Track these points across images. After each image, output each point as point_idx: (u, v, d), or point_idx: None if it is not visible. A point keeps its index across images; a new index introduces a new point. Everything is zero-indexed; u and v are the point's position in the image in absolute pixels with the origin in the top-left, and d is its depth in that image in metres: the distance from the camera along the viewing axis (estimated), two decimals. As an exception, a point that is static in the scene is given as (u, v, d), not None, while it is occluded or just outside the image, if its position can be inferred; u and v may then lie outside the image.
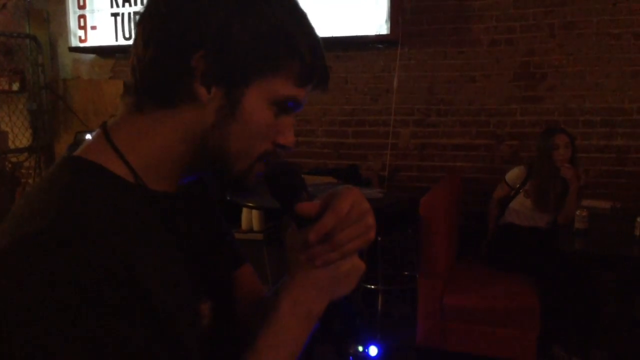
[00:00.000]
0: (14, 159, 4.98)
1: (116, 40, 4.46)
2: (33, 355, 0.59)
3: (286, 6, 0.74)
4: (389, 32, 3.81)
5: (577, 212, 3.14)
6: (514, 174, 3.55)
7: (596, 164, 3.74)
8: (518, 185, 3.51)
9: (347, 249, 0.74)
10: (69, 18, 4.57)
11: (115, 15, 4.44)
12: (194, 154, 0.75)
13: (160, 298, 0.66)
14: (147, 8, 0.75)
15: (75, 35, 4.59)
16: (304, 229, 0.75)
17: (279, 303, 0.76)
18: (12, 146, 4.95)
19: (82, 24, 4.56)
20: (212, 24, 0.70)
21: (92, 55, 4.87)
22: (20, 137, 4.91)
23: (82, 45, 4.60)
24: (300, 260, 0.76)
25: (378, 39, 3.88)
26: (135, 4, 4.37)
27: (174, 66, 0.71)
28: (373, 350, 2.94)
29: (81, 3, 4.52)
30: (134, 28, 0.76)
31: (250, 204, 3.25)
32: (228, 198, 3.27)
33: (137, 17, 0.76)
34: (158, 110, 0.74)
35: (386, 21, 3.79)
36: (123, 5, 4.40)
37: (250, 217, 3.81)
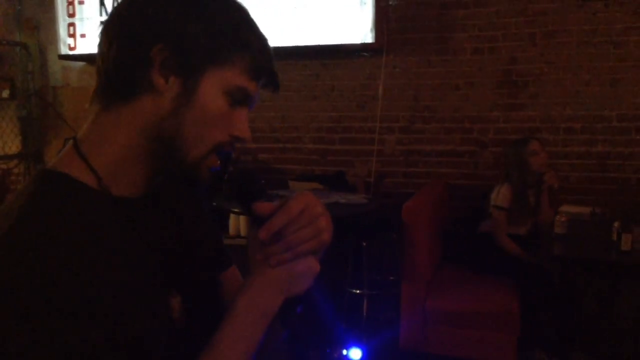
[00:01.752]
0: (3, 166, 5.02)
1: (105, 48, 4.51)
2: None
3: (238, 10, 0.82)
4: (374, 41, 3.88)
5: (557, 217, 3.21)
6: (504, 196, 3.43)
7: (576, 170, 3.81)
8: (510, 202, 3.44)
9: (300, 250, 0.79)
10: (59, 26, 4.62)
11: (104, 23, 4.49)
12: (152, 144, 0.80)
13: (109, 297, 0.70)
14: (110, 15, 0.82)
15: (65, 43, 4.64)
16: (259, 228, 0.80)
17: (236, 302, 0.81)
18: (1, 153, 4.99)
19: (71, 32, 4.61)
20: (170, 21, 0.77)
21: (81, 63, 4.91)
22: (9, 143, 4.95)
23: (71, 53, 4.65)
24: (257, 260, 0.81)
25: (364, 47, 3.95)
26: (125, 12, 4.42)
27: (135, 58, 0.77)
28: (357, 353, 2.98)
29: (71, 11, 4.58)
30: (99, 33, 0.83)
31: (237, 210, 3.30)
32: (215, 204, 3.32)
33: (101, 25, 0.83)
34: (120, 106, 0.79)
35: (371, 30, 3.86)
36: (112, 14, 4.45)
37: (237, 223, 3.86)
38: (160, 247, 0.85)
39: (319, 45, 3.95)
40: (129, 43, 0.78)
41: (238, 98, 0.82)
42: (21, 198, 0.74)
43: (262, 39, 0.84)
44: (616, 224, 3.04)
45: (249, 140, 0.85)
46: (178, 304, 0.87)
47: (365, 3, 3.84)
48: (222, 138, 0.82)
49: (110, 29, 0.80)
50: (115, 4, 0.83)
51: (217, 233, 1.06)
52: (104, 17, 4.47)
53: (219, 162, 0.84)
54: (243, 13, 0.83)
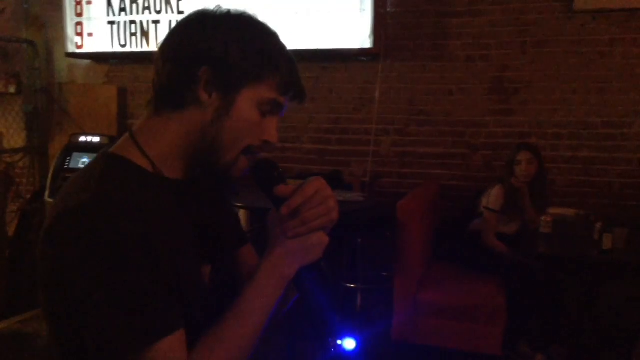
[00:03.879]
0: (8, 159, 5.14)
1: (112, 47, 4.66)
2: (76, 286, 0.84)
3: (269, 36, 1.00)
4: (372, 46, 4.03)
5: (542, 218, 3.39)
6: (495, 198, 3.59)
7: (563, 174, 3.99)
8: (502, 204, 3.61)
9: (313, 225, 0.96)
10: (67, 25, 4.75)
11: (111, 23, 4.63)
12: (194, 145, 0.98)
13: (166, 257, 0.89)
14: (165, 39, 1.00)
15: (72, 41, 4.77)
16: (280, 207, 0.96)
17: (260, 266, 0.98)
18: (7, 146, 5.12)
19: (79, 30, 4.74)
20: (214, 47, 0.95)
21: (87, 61, 5.04)
22: (15, 137, 5.08)
23: (78, 51, 4.79)
24: (277, 233, 0.98)
25: (362, 52, 4.10)
26: (131, 13, 4.57)
27: (185, 77, 0.96)
28: (351, 344, 3.17)
29: (79, 11, 4.71)
30: (156, 52, 1.02)
31: (239, 204, 3.45)
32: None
33: (159, 44, 1.01)
34: (170, 112, 0.98)
35: (370, 36, 4.01)
36: (119, 14, 4.60)
37: (245, 218, 4.00)
38: (198, 223, 1.03)
39: (319, 50, 4.10)
40: (180, 64, 0.96)
41: (268, 109, 0.99)
42: (94, 174, 0.92)
43: (289, 60, 1.01)
44: (598, 225, 3.22)
45: (276, 143, 1.03)
46: (209, 271, 1.05)
47: (364, 10, 4.00)
48: (252, 142, 1.00)
49: (165, 51, 0.99)
50: (171, 28, 1.02)
51: (236, 215, 1.23)
52: (111, 17, 4.62)
53: (247, 162, 1.01)
54: (274, 38, 1.01)
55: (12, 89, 5.01)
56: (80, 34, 4.75)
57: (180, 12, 4.44)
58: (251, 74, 0.96)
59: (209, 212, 1.08)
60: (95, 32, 4.71)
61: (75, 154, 4.44)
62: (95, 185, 0.89)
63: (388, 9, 4.23)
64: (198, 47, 0.95)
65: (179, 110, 0.97)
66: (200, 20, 0.98)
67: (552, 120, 4.00)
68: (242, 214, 3.95)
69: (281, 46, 1.01)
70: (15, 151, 5.06)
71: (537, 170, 3.60)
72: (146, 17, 4.55)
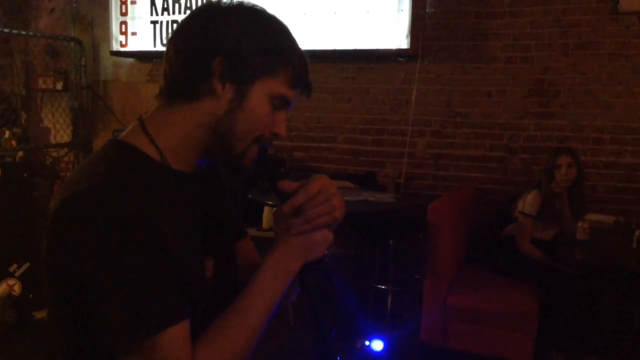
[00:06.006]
0: (54, 154, 5.33)
1: (154, 46, 4.76)
2: (82, 269, 0.84)
3: (282, 31, 1.01)
4: (409, 47, 4.01)
5: (579, 224, 3.30)
6: (531, 203, 3.53)
7: (604, 180, 3.87)
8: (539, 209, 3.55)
9: (317, 223, 0.97)
10: (112, 24, 4.89)
11: (154, 22, 4.74)
12: (207, 137, 0.99)
13: (174, 247, 0.89)
14: (177, 29, 1.01)
15: (116, 40, 4.91)
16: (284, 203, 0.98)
17: (265, 261, 1.00)
18: (53, 141, 5.31)
19: (123, 29, 4.87)
20: (229, 38, 0.96)
21: (131, 59, 5.16)
22: (61, 133, 5.25)
23: (122, 49, 4.91)
24: (281, 230, 0.99)
25: (399, 52, 4.08)
26: (174, 13, 4.67)
27: (199, 68, 0.97)
28: (379, 345, 3.15)
29: (123, 10, 4.84)
30: (166, 44, 1.03)
31: (271, 202, 3.48)
32: (250, 197, 3.51)
33: (169, 36, 1.01)
34: (183, 104, 0.98)
35: (407, 36, 3.99)
36: (162, 14, 4.70)
37: (271, 216, 4.04)
38: (202, 216, 1.04)
39: (356, 50, 4.10)
40: (194, 55, 0.97)
41: (279, 104, 1.00)
42: (104, 161, 0.92)
43: (300, 55, 1.02)
44: (638, 233, 3.12)
45: (286, 137, 1.05)
46: (211, 265, 1.06)
47: (402, 10, 3.98)
48: (264, 134, 1.01)
49: (178, 41, 0.99)
50: (181, 19, 1.03)
51: (239, 208, 1.24)
52: (154, 17, 4.73)
53: (257, 152, 1.02)
54: (286, 33, 1.02)
55: (59, 86, 5.18)
56: (124, 33, 4.87)
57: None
58: (265, 67, 0.97)
59: (212, 206, 1.09)
60: (138, 31, 4.83)
61: (117, 150, 4.56)
62: (105, 170, 0.89)
63: (427, 10, 4.19)
64: (212, 39, 0.96)
65: (192, 102, 0.98)
66: (212, 12, 0.99)
67: (593, 125, 3.89)
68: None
69: (293, 40, 1.02)
70: (61, 146, 5.24)
71: (577, 175, 3.52)
72: (188, 17, 4.62)
